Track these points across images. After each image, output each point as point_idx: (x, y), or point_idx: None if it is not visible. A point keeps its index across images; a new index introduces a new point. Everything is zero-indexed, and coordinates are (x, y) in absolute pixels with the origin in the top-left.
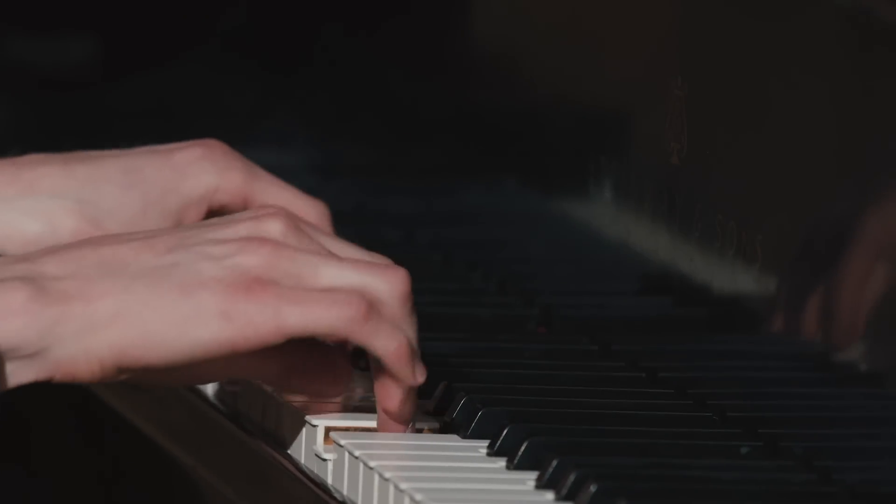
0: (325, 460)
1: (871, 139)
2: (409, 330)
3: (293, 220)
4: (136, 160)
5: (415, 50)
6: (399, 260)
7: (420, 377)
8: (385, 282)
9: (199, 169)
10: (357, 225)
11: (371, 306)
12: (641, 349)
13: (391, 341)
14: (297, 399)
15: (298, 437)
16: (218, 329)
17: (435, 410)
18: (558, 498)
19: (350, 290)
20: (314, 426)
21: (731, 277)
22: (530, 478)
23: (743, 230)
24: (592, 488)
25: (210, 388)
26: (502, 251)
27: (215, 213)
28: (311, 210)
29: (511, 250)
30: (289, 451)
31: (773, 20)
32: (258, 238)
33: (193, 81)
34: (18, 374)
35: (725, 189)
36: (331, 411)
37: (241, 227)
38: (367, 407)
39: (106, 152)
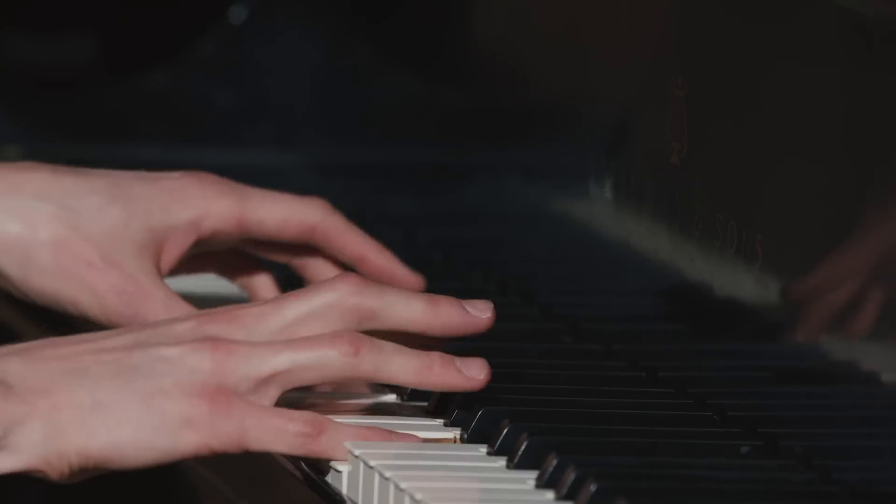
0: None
1: (872, 138)
2: (392, 368)
3: (232, 316)
4: (123, 179)
5: (415, 49)
6: (400, 259)
7: (399, 438)
8: (333, 346)
9: (189, 194)
10: (358, 224)
11: (321, 423)
12: (641, 349)
13: (345, 453)
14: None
15: None
16: (182, 439)
17: (436, 410)
18: (558, 497)
19: (302, 411)
20: None
21: (732, 277)
22: (530, 477)
23: (743, 230)
24: (592, 488)
25: None
26: (502, 251)
27: (207, 240)
28: (314, 212)
29: (511, 250)
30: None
31: (774, 20)
32: (208, 339)
33: (193, 81)
34: None
35: (726, 189)
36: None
37: (186, 327)
38: (371, 410)
39: (95, 169)
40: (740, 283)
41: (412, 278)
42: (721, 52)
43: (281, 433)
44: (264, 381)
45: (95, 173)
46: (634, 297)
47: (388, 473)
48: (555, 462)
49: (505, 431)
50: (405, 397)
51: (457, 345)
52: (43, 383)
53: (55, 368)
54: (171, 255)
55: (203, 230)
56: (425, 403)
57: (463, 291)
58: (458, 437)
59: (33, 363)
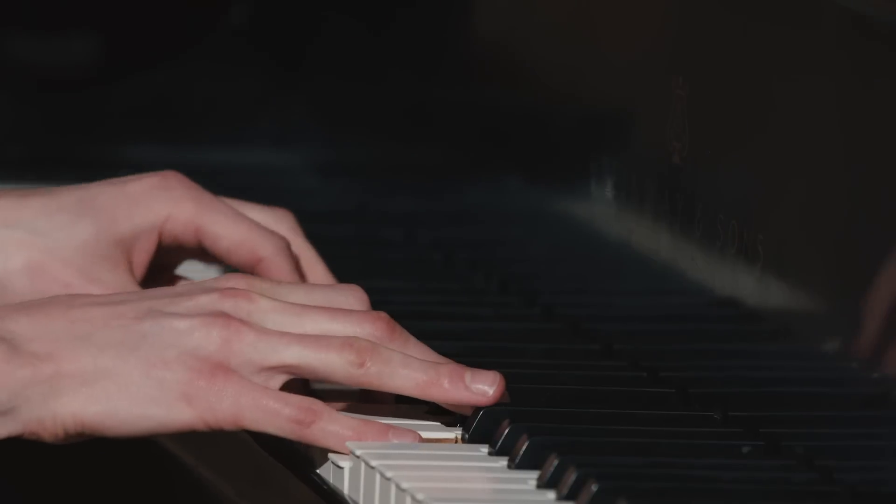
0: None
1: (873, 139)
2: (395, 381)
3: (254, 297)
4: (90, 191)
5: (416, 49)
6: (400, 260)
7: (390, 437)
8: (340, 353)
9: (151, 197)
10: (358, 224)
11: (315, 411)
12: (643, 349)
13: (336, 442)
14: None
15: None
16: (178, 411)
17: (437, 409)
18: (559, 497)
19: (300, 396)
20: None
21: (733, 277)
22: (531, 477)
23: (744, 229)
24: (593, 488)
25: None
26: (504, 251)
27: (169, 244)
28: (266, 246)
29: (512, 250)
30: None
31: (775, 20)
32: (222, 315)
33: (194, 80)
34: None
35: (727, 188)
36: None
37: (206, 300)
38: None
39: (62, 187)
40: (741, 283)
41: None
42: (722, 52)
43: (275, 416)
44: (268, 370)
45: (61, 190)
46: (636, 296)
47: (389, 473)
48: (556, 462)
49: (506, 432)
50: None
51: (458, 344)
52: (48, 346)
53: (62, 331)
54: (141, 259)
55: (165, 233)
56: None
57: (464, 292)
58: (458, 437)
59: (41, 324)
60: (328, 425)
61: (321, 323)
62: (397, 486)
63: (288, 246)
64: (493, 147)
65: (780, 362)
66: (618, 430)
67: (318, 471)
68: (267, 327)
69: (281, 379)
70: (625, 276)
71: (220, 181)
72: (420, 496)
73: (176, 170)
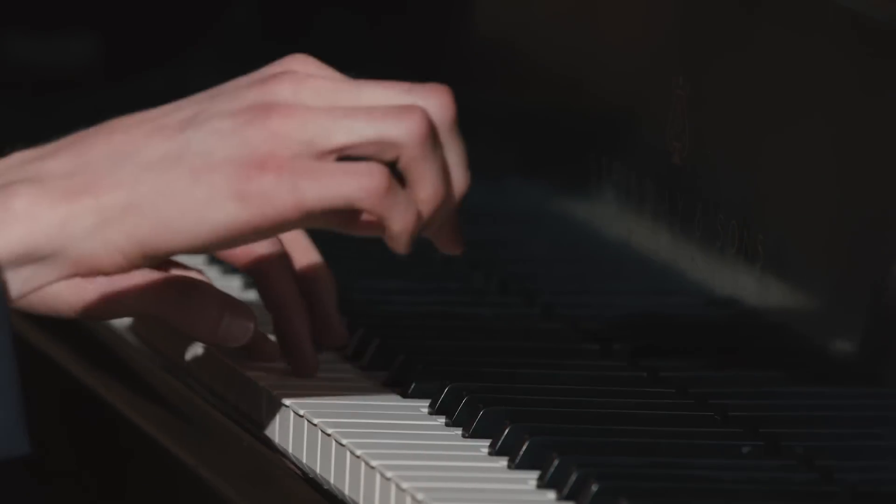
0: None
1: (873, 139)
2: (428, 174)
3: (304, 77)
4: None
5: (415, 48)
6: (400, 259)
7: (409, 248)
8: (400, 127)
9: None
10: None
11: (390, 180)
12: (643, 349)
13: (406, 216)
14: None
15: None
16: (235, 211)
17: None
18: (560, 497)
19: (367, 164)
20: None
21: (733, 277)
22: (532, 477)
23: (744, 230)
24: (594, 488)
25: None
26: (504, 250)
27: None
28: (265, 245)
29: (512, 250)
30: (275, 441)
31: (775, 20)
32: (265, 106)
33: (194, 81)
34: (39, 278)
35: (727, 189)
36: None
37: (250, 93)
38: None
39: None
40: (741, 283)
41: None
42: (722, 53)
43: (343, 189)
44: (324, 154)
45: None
46: (636, 296)
47: (389, 473)
48: (556, 462)
49: (506, 431)
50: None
51: (458, 344)
52: (86, 179)
53: (101, 159)
54: None
55: None
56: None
57: (463, 291)
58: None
59: (81, 156)
60: (399, 197)
61: (379, 94)
62: (397, 486)
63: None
64: (493, 147)
65: (780, 362)
66: (618, 430)
67: (319, 471)
68: (318, 105)
69: (334, 157)
70: (625, 276)
71: None
72: (420, 496)
73: None
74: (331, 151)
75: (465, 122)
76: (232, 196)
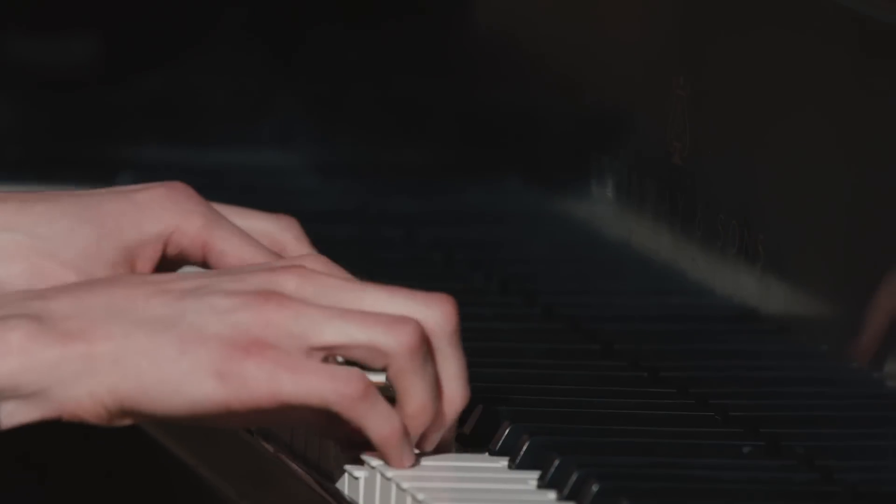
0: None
1: (874, 139)
2: (416, 389)
3: (311, 274)
4: (95, 198)
5: (417, 48)
6: (401, 260)
7: (406, 462)
8: (391, 336)
9: (160, 208)
10: (359, 225)
11: (368, 388)
12: (643, 349)
13: (383, 426)
14: None
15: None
16: (212, 389)
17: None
18: (560, 498)
19: (349, 369)
20: None
21: (733, 277)
22: (532, 477)
23: (745, 229)
24: (594, 488)
25: None
26: (504, 251)
27: (173, 257)
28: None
29: (513, 250)
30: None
31: (775, 20)
32: (265, 293)
33: (195, 81)
34: (20, 414)
35: (727, 189)
36: None
37: (255, 279)
38: None
39: (67, 192)
40: (742, 283)
41: None
42: (723, 52)
43: (319, 389)
44: (311, 350)
45: (65, 195)
46: (636, 296)
47: (389, 474)
48: (557, 462)
49: (507, 432)
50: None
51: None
52: (82, 324)
53: (100, 308)
54: (144, 268)
55: (171, 246)
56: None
57: (464, 292)
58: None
59: (82, 302)
60: (377, 407)
61: (381, 300)
62: (398, 486)
63: (301, 234)
64: (494, 147)
65: (780, 362)
66: (618, 431)
67: (318, 471)
68: (317, 302)
69: (319, 357)
70: (625, 276)
71: (221, 181)
72: (421, 496)
73: (176, 169)
74: (319, 348)
75: (467, 122)
76: (212, 373)
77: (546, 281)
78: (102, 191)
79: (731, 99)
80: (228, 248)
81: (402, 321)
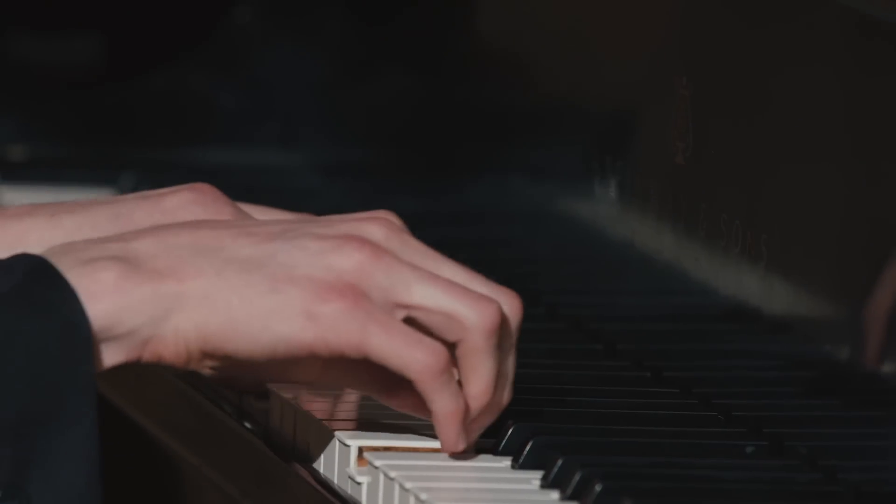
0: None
1: (877, 138)
2: (484, 369)
3: (396, 228)
4: (124, 206)
5: (420, 48)
6: None
7: (460, 445)
8: (474, 311)
9: (189, 213)
10: None
11: (448, 365)
12: (646, 349)
13: (450, 403)
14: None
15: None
16: (300, 328)
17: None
18: (563, 497)
19: (433, 341)
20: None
21: (737, 277)
22: (535, 477)
23: (748, 229)
24: (598, 488)
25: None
26: (507, 251)
27: None
28: None
29: (516, 250)
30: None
31: (778, 19)
32: (358, 238)
33: (199, 80)
34: (110, 356)
35: (730, 188)
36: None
37: (343, 226)
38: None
39: (95, 200)
40: (745, 282)
41: None
42: (725, 52)
43: (404, 353)
44: (396, 305)
45: (94, 206)
46: (639, 296)
47: (392, 474)
48: (560, 462)
49: (510, 432)
50: None
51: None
52: (171, 263)
53: (188, 247)
54: None
55: None
56: None
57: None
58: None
59: (167, 242)
60: (450, 384)
61: (459, 276)
62: (401, 486)
63: None
64: (497, 147)
65: (783, 362)
66: (621, 430)
67: (322, 470)
68: (404, 258)
69: (402, 315)
70: (628, 276)
71: (224, 181)
72: (424, 496)
73: (181, 169)
74: (404, 306)
75: (469, 122)
76: (303, 313)
77: (549, 281)
78: (129, 197)
79: (733, 98)
80: None
81: (486, 300)
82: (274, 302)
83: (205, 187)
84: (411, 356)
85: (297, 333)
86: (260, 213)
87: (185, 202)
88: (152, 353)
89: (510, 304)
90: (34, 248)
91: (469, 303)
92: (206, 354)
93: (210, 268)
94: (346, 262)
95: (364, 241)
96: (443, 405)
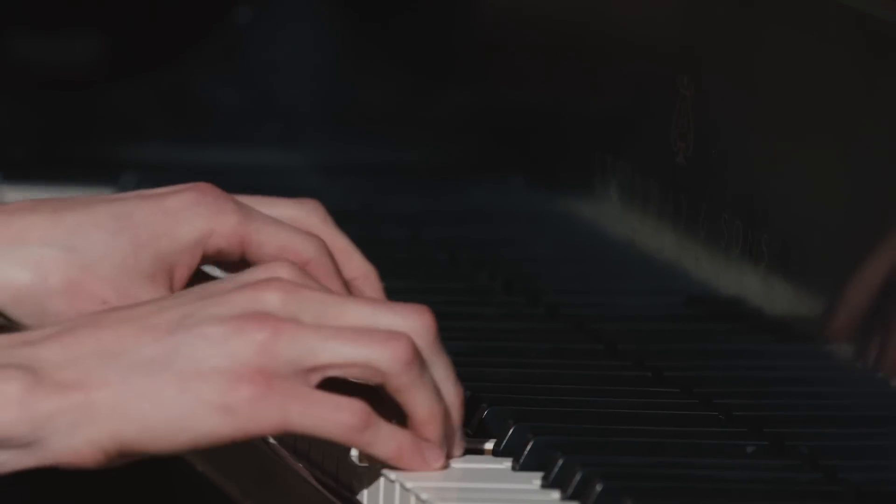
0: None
1: (877, 138)
2: (418, 399)
3: (291, 287)
4: (126, 205)
5: (421, 48)
6: (405, 259)
7: (435, 463)
8: (385, 353)
9: (193, 214)
10: (363, 224)
11: (369, 417)
12: (647, 348)
13: (389, 446)
14: None
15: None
16: (219, 423)
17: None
18: (564, 497)
19: (351, 400)
20: None
21: (737, 276)
22: (536, 477)
23: (749, 229)
24: (598, 487)
25: None
26: (508, 250)
27: (212, 258)
28: (308, 248)
29: (517, 249)
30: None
31: (779, 20)
32: (257, 316)
33: (199, 79)
34: (14, 462)
35: (731, 188)
36: None
37: (239, 300)
38: None
39: (96, 197)
40: (746, 282)
41: None
42: (726, 52)
43: (326, 421)
44: (308, 371)
45: (95, 203)
46: (640, 296)
47: (393, 474)
48: (561, 462)
49: (511, 431)
50: None
51: (462, 344)
52: (77, 373)
53: (91, 354)
54: (182, 276)
55: (209, 248)
56: None
57: (468, 291)
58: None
59: (71, 349)
60: (378, 430)
61: (364, 314)
62: (401, 486)
63: (326, 245)
64: (498, 146)
65: (784, 362)
66: (622, 430)
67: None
68: (305, 321)
69: (318, 379)
70: (629, 276)
71: (224, 181)
72: (424, 496)
73: (180, 168)
74: (316, 369)
75: (470, 121)
76: (218, 408)
77: (550, 281)
78: (131, 195)
79: (734, 98)
80: (265, 238)
81: (395, 337)
82: (186, 402)
83: (206, 186)
84: (333, 423)
85: (216, 428)
86: (262, 204)
87: (187, 203)
88: (67, 463)
89: (421, 322)
90: (36, 245)
91: (378, 346)
92: (126, 456)
93: (115, 375)
94: (250, 345)
95: (263, 318)
96: (383, 451)
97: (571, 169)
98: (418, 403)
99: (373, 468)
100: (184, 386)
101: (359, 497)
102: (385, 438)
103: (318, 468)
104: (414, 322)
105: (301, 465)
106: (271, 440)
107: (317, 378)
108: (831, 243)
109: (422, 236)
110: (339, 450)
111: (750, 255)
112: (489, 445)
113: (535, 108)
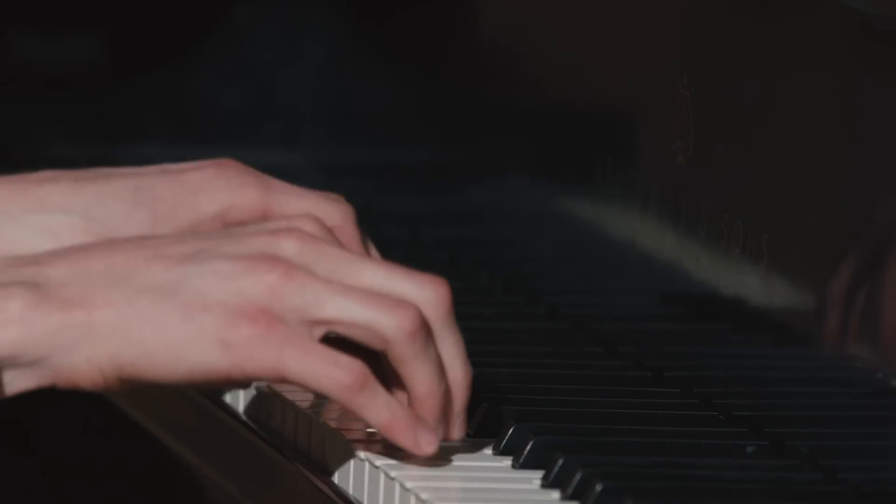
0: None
1: (877, 138)
2: (419, 373)
3: (310, 238)
4: (146, 179)
5: (421, 47)
6: (405, 259)
7: (427, 447)
8: (392, 320)
9: (213, 187)
10: (363, 223)
11: (365, 380)
12: (647, 349)
13: (382, 413)
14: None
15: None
16: (216, 357)
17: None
18: (564, 497)
19: (351, 358)
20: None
21: (737, 277)
22: (536, 477)
23: (749, 229)
24: (598, 487)
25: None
26: (508, 250)
27: None
28: (334, 215)
29: (517, 250)
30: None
31: (779, 19)
32: (270, 259)
33: (200, 80)
34: (18, 382)
35: (731, 189)
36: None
37: (255, 242)
38: None
39: (117, 170)
40: (746, 282)
41: None
42: (727, 52)
43: (322, 374)
44: (312, 323)
45: (117, 176)
46: (640, 296)
47: (393, 473)
48: (561, 462)
49: (511, 431)
50: None
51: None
52: (82, 291)
53: (100, 274)
54: None
55: (229, 222)
56: None
57: (468, 291)
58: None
59: (80, 267)
60: (374, 394)
61: (379, 278)
62: (401, 486)
63: (353, 214)
64: (498, 146)
65: (784, 362)
66: (622, 430)
67: (323, 470)
68: (318, 274)
69: (321, 332)
70: (629, 276)
71: None
72: (424, 495)
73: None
74: (321, 322)
75: (471, 121)
76: (217, 341)
77: (550, 280)
78: (152, 169)
79: (735, 98)
80: (289, 210)
81: (403, 305)
82: (188, 331)
83: (228, 162)
84: (328, 377)
85: (213, 362)
86: (286, 190)
87: (207, 177)
88: (66, 381)
89: (436, 293)
90: (54, 212)
91: (385, 312)
92: (124, 381)
93: (121, 297)
94: (258, 285)
95: (276, 261)
96: (375, 418)
97: (572, 169)
98: (418, 377)
99: (374, 471)
100: (187, 315)
101: (359, 497)
102: (379, 405)
103: (317, 468)
104: (429, 293)
105: (301, 465)
106: (270, 445)
107: (320, 332)
108: (832, 243)
109: (422, 236)
110: (339, 450)
111: (750, 255)
112: (489, 445)
113: (534, 108)
